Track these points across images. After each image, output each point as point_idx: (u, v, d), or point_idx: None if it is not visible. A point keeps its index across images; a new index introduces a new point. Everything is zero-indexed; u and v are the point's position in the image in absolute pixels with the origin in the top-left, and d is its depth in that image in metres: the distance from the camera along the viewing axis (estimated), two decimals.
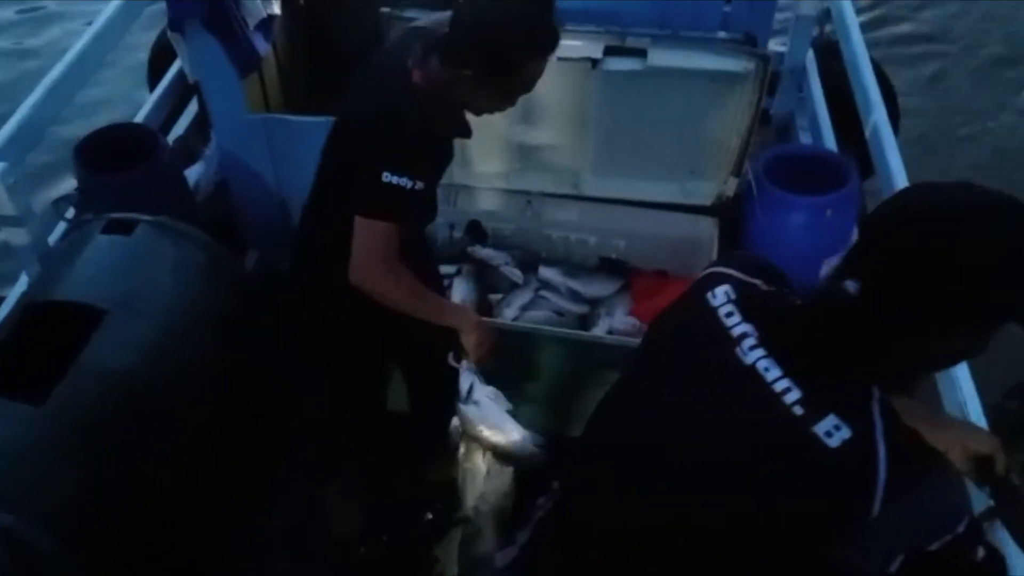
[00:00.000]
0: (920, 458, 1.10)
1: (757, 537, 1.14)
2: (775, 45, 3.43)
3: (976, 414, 1.91)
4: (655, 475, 1.23)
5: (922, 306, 1.06)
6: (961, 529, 1.07)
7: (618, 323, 2.85)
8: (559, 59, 2.53)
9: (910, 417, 1.15)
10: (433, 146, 1.89)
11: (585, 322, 2.91)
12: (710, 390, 1.20)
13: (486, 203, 2.99)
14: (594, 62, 2.51)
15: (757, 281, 1.27)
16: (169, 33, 2.74)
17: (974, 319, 1.09)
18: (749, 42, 2.43)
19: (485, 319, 2.09)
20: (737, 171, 2.71)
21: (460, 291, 2.88)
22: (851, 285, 1.09)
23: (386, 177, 1.77)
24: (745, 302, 1.23)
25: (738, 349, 1.18)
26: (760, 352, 1.16)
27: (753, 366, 1.15)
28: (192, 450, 2.36)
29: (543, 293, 2.95)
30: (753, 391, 1.14)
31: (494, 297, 2.93)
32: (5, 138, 2.42)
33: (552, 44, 1.83)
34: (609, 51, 2.51)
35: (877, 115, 2.62)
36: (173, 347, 2.33)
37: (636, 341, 2.62)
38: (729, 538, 1.16)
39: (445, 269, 2.93)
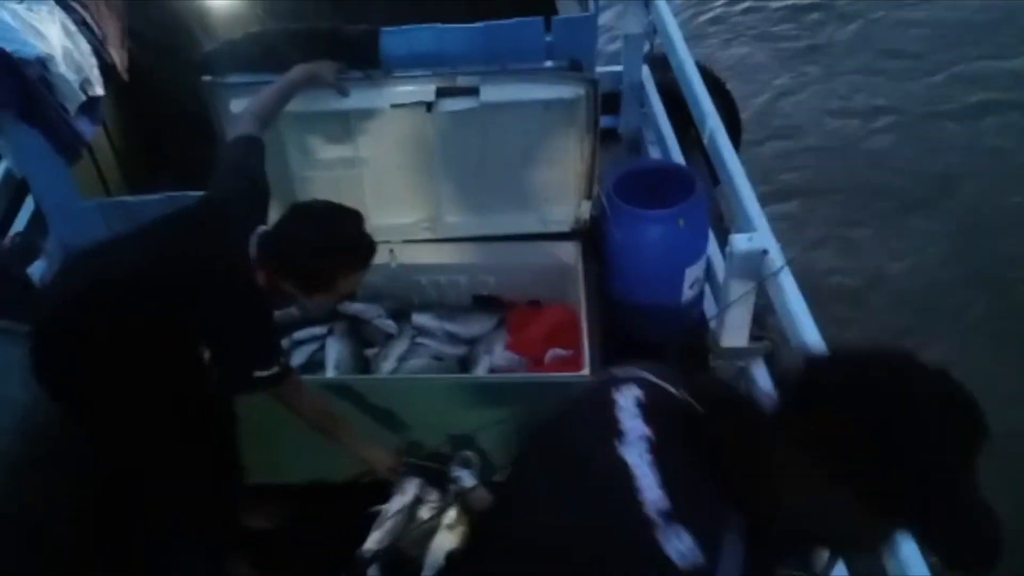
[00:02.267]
0: None
1: None
2: (614, 66, 3.53)
3: None
4: (525, 563, 1.18)
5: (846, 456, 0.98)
6: None
7: (498, 359, 2.83)
8: (392, 106, 2.54)
9: None
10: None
11: (466, 363, 2.88)
12: (580, 482, 1.14)
13: None
14: (428, 105, 2.51)
15: (668, 386, 1.19)
16: None
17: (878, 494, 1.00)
18: (574, 68, 2.47)
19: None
20: (588, 193, 2.74)
21: (334, 350, 2.81)
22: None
23: (258, 373, 2.04)
24: (651, 405, 1.15)
25: (618, 442, 1.11)
26: (645, 455, 1.10)
27: (627, 462, 1.09)
28: (66, 561, 2.23)
29: (420, 340, 2.91)
30: (620, 490, 1.08)
31: (370, 351, 2.88)
32: None
33: (368, 257, 2.10)
34: (441, 92, 2.51)
35: (712, 123, 2.70)
36: (32, 457, 2.22)
37: (518, 375, 2.65)
38: None
39: (315, 330, 2.87)
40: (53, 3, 2.60)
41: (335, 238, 2.05)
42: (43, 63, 2.46)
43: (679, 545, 1.02)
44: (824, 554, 1.30)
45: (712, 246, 2.84)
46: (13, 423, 2.24)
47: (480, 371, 2.80)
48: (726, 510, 1.05)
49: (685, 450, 1.09)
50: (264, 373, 2.03)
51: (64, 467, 2.27)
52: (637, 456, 1.09)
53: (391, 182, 2.75)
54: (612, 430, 1.13)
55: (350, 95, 2.53)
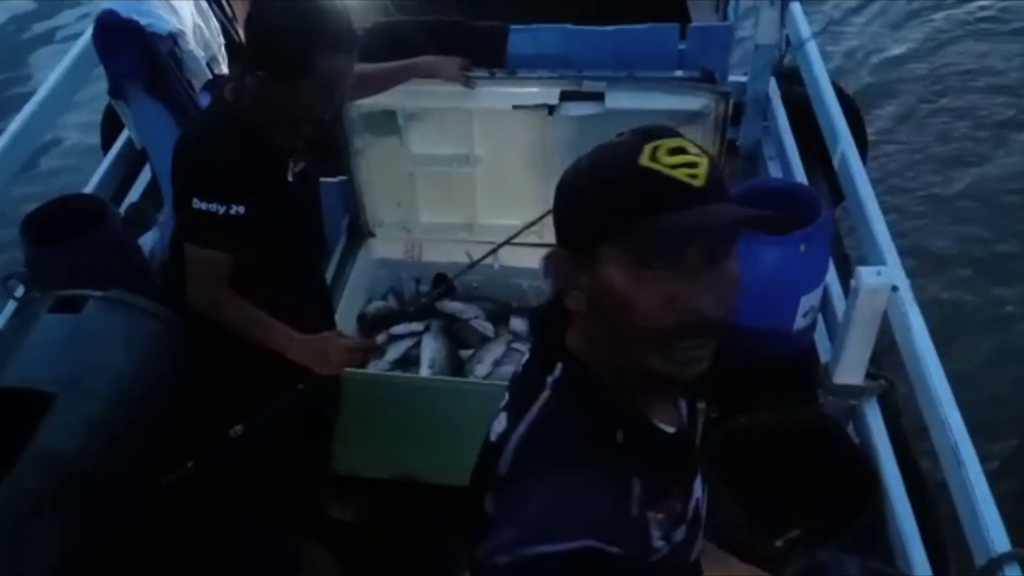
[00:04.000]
0: (549, 460, 0.95)
1: None
2: (736, 75, 3.40)
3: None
4: None
5: None
6: (530, 552, 0.88)
7: None
8: (515, 107, 2.48)
9: (714, 556, 1.21)
10: (247, 167, 1.82)
11: None
12: None
13: (452, 255, 2.90)
14: (551, 108, 2.45)
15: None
16: (112, 100, 2.66)
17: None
18: (707, 79, 2.37)
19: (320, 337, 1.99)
20: None
21: (429, 348, 2.78)
22: None
23: (196, 203, 1.76)
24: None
25: None
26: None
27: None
28: (155, 533, 2.26)
29: (515, 346, 2.85)
30: None
31: (465, 353, 2.84)
32: None
33: (342, 41, 1.79)
34: (565, 96, 2.45)
35: (844, 144, 2.56)
36: (128, 426, 2.24)
37: None
38: None
39: (413, 327, 2.84)
40: None
41: (300, 14, 1.77)
42: (174, 38, 2.49)
43: (496, 427, 1.02)
44: None
45: (830, 274, 2.70)
46: (111, 392, 2.26)
47: None
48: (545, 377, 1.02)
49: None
50: (203, 206, 1.76)
51: (156, 440, 2.29)
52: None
53: (503, 182, 2.71)
54: None
55: (474, 89, 2.49)
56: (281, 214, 1.93)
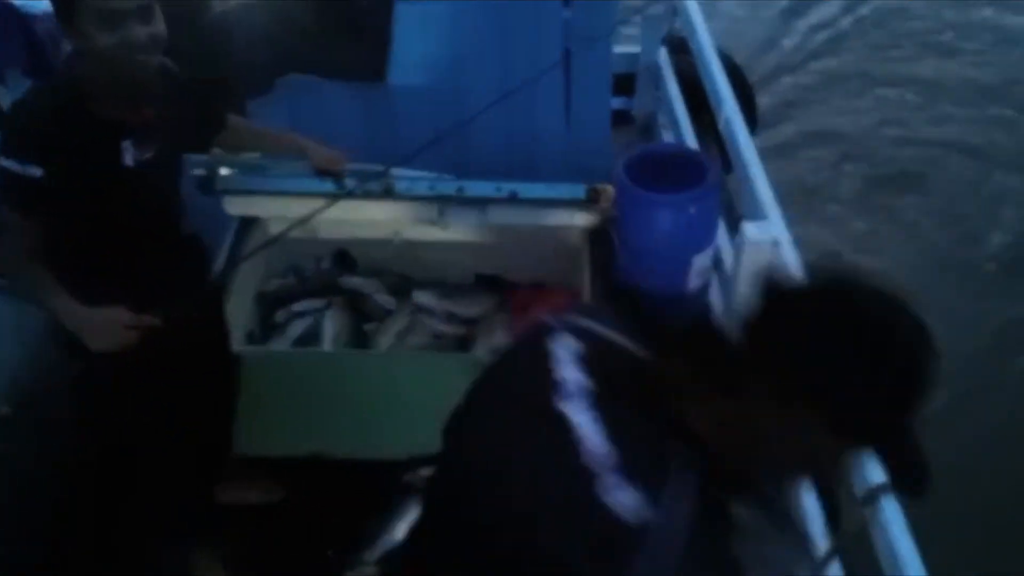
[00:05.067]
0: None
1: None
2: (630, 46, 3.47)
3: None
4: (464, 526, 1.13)
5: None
6: None
7: (498, 342, 2.79)
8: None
9: None
10: (56, 132, 1.74)
11: (465, 343, 2.85)
12: (516, 445, 1.08)
13: (352, 231, 2.89)
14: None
15: (610, 332, 1.13)
16: None
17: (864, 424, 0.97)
18: (591, 199, 2.58)
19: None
20: None
21: (331, 324, 2.78)
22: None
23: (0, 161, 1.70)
24: (592, 355, 1.09)
25: (555, 395, 1.05)
26: (586, 408, 1.03)
27: (565, 416, 1.02)
28: (51, 526, 2.22)
29: (420, 317, 2.87)
30: (558, 446, 1.01)
31: (369, 327, 2.84)
32: None
33: None
34: (447, 202, 2.61)
35: (728, 109, 2.63)
36: (24, 418, 2.20)
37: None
38: None
39: (314, 303, 2.83)
40: None
41: None
42: (51, 17, 2.41)
43: (622, 497, 0.95)
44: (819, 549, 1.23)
45: (722, 236, 2.79)
46: (4, 384, 2.21)
47: (479, 352, 2.76)
48: (671, 453, 0.98)
49: (630, 398, 1.03)
50: (3, 162, 1.70)
51: (56, 431, 2.24)
52: (577, 409, 1.02)
53: None
54: (547, 382, 1.06)
55: (342, 180, 2.41)
56: (113, 198, 1.84)
